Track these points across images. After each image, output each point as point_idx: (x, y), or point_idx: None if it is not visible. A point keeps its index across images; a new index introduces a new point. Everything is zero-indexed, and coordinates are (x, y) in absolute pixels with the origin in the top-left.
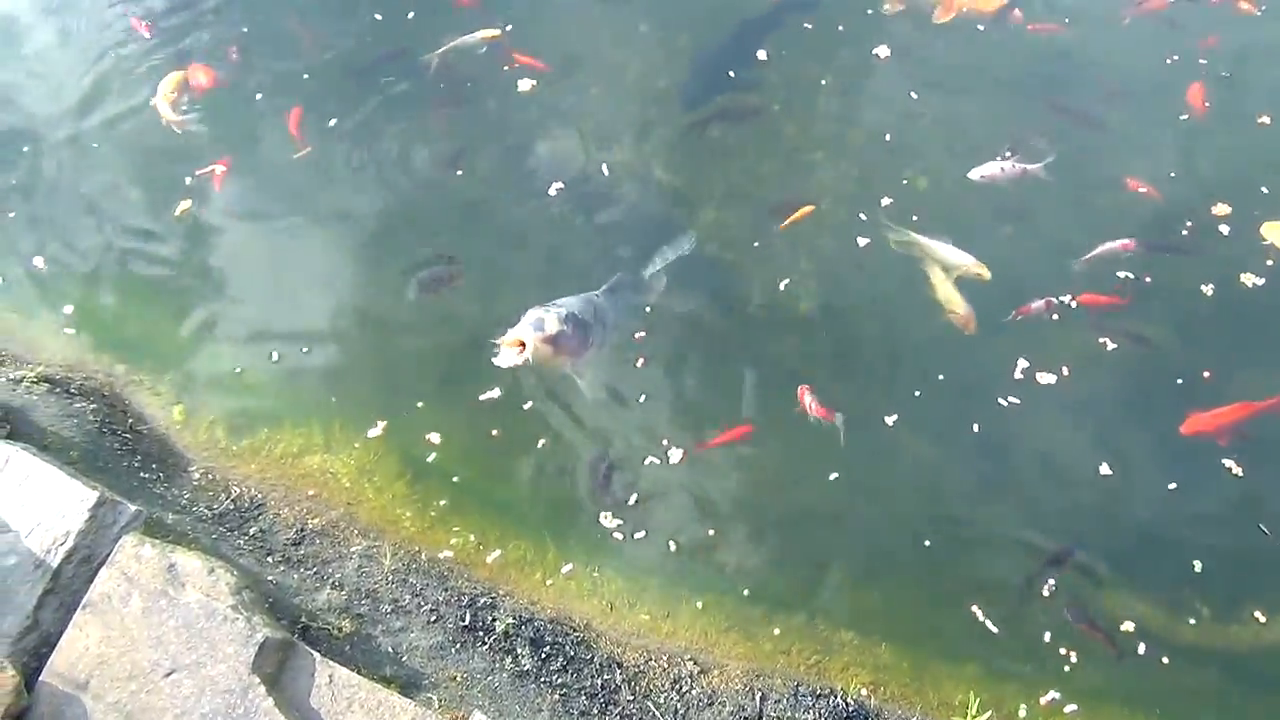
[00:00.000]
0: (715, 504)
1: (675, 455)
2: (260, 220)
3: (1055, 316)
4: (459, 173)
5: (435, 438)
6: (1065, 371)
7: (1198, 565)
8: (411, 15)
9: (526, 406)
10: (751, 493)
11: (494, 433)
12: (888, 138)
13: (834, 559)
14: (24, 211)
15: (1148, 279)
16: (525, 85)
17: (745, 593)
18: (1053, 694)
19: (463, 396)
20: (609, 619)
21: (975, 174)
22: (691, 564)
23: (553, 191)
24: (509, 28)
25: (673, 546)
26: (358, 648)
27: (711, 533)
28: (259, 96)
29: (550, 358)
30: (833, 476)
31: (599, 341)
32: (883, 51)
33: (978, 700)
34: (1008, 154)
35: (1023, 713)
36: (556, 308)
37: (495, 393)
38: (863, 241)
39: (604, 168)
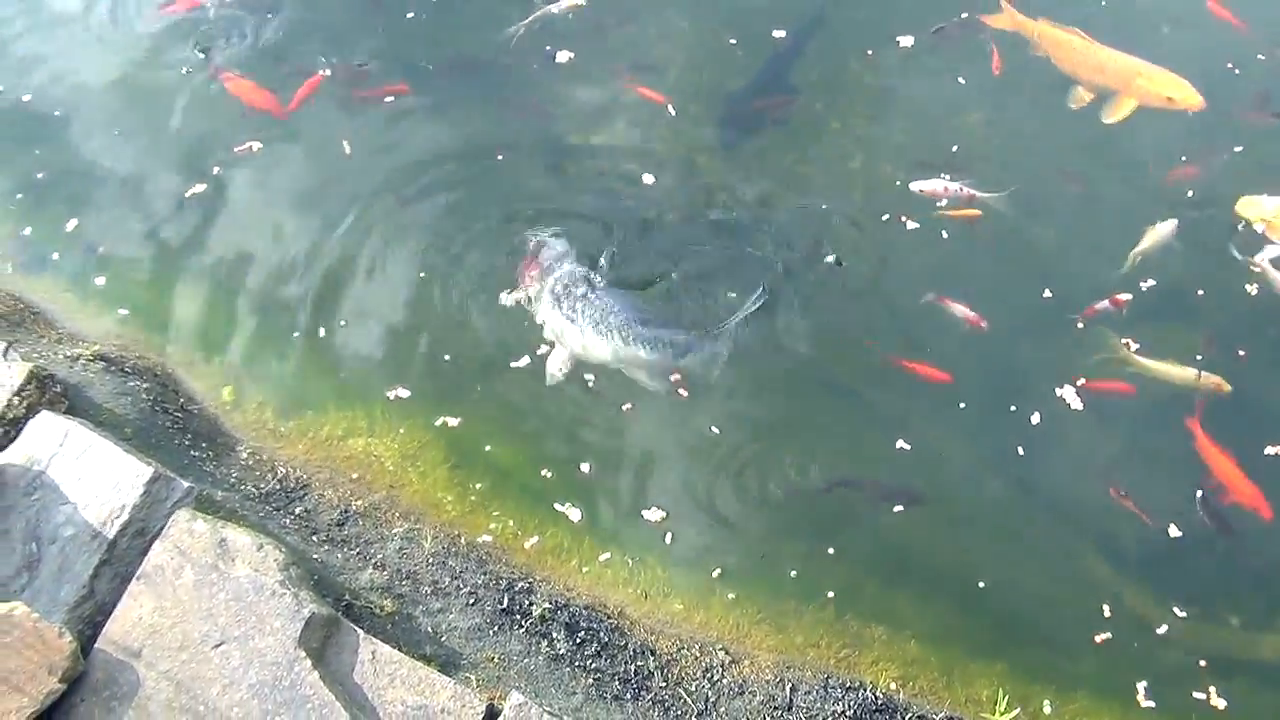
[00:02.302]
0: (752, 502)
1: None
2: (310, 203)
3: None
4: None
5: (479, 424)
6: None
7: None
8: None
9: (569, 400)
10: (789, 492)
11: (537, 422)
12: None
13: (866, 558)
14: (79, 192)
15: None
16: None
17: (778, 586)
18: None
19: (508, 384)
20: (643, 607)
21: (916, 186)
22: (726, 557)
23: None
24: None
25: (708, 540)
26: (399, 626)
27: (747, 529)
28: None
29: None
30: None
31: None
32: None
33: (1006, 697)
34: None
35: (1048, 709)
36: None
37: (534, 369)
38: None
39: None
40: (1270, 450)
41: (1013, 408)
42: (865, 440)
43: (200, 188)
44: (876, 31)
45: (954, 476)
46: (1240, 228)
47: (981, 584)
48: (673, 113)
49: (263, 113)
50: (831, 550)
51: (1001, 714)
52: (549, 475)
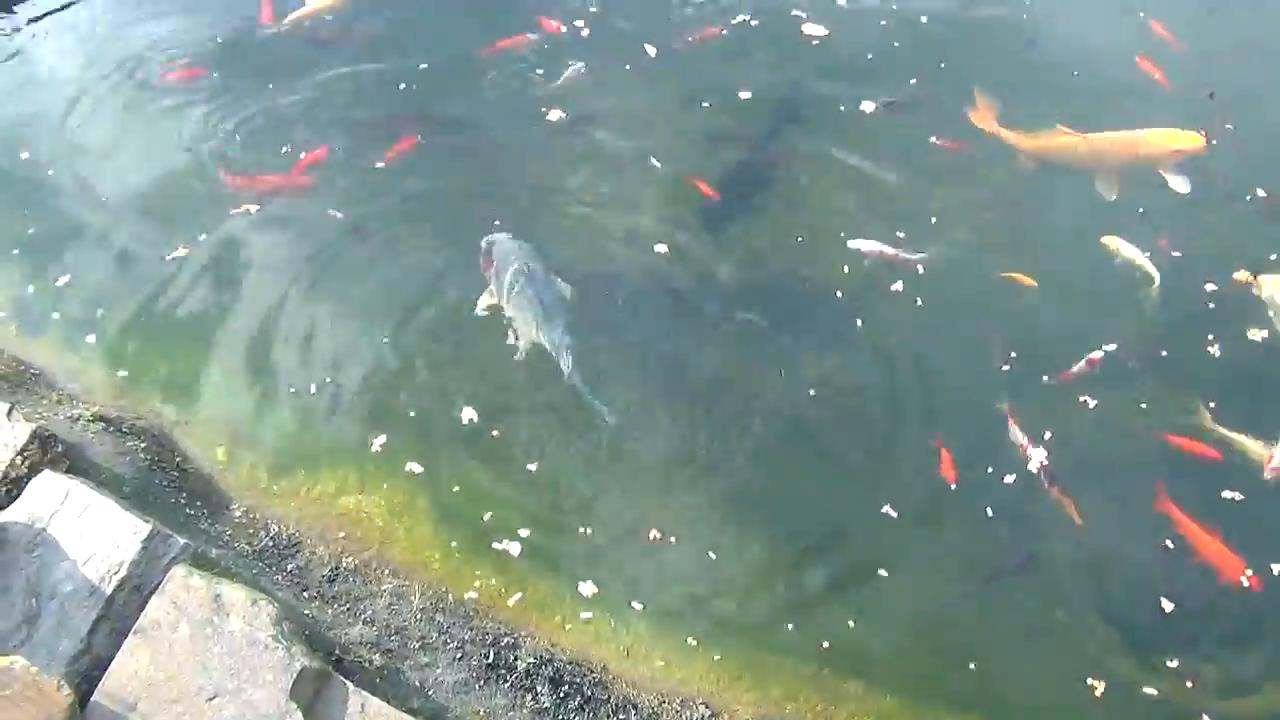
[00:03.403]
0: (732, 563)
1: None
2: (299, 269)
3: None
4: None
5: (463, 484)
6: None
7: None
8: None
9: (549, 460)
10: (773, 556)
11: (522, 478)
12: None
13: (848, 617)
14: (79, 255)
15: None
16: None
17: (757, 644)
18: None
19: (492, 442)
20: (626, 663)
21: (853, 244)
22: (707, 616)
23: None
24: None
25: (691, 599)
26: (388, 680)
27: (728, 588)
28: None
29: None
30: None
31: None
32: None
33: None
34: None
35: None
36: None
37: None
38: None
39: None
40: None
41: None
42: (849, 503)
43: (194, 251)
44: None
45: (933, 542)
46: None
47: (963, 645)
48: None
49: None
50: (819, 611)
51: None
52: (529, 532)
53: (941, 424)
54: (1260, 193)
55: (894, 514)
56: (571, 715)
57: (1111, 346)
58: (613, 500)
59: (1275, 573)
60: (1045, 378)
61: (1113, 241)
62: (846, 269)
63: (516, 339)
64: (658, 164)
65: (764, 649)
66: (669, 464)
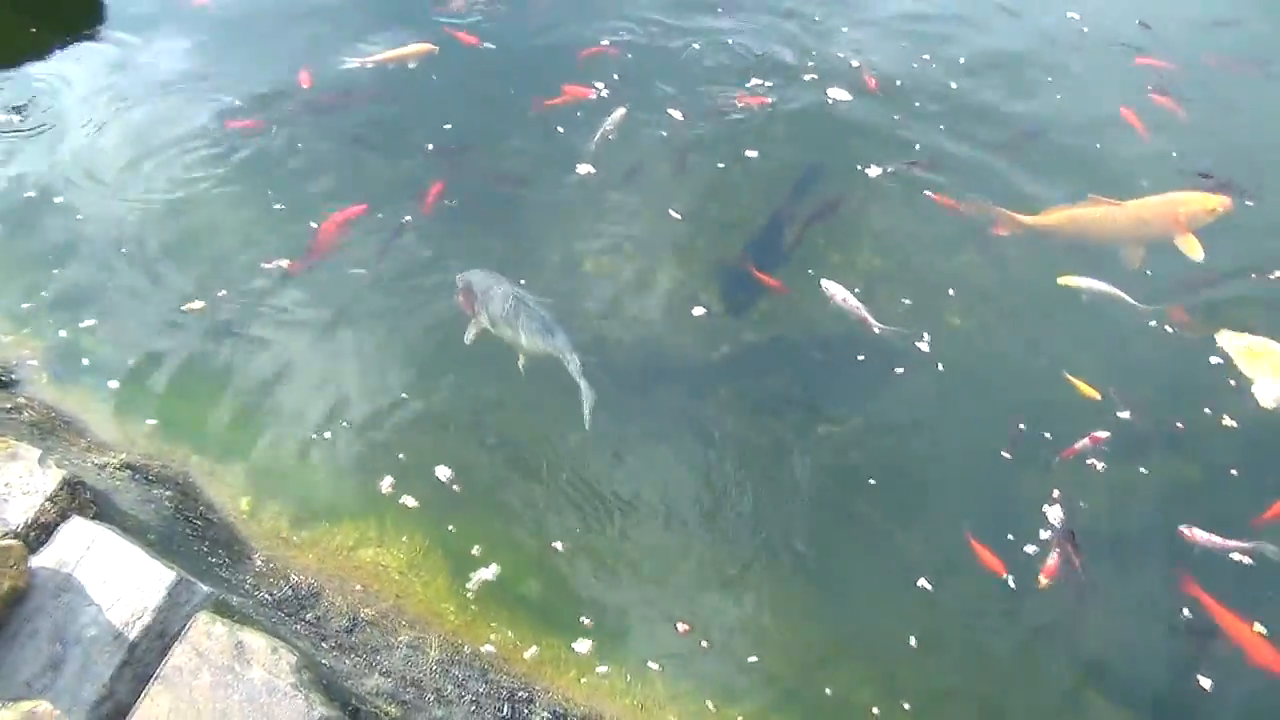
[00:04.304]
0: (751, 618)
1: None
2: (324, 322)
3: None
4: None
5: (482, 542)
6: None
7: None
8: None
9: (562, 515)
10: (788, 617)
11: (536, 532)
12: None
13: (862, 686)
14: (110, 303)
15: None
16: None
17: (774, 701)
18: None
19: (508, 493)
20: (639, 717)
21: (825, 285)
22: (722, 670)
23: None
24: None
25: (706, 653)
26: None
27: (743, 644)
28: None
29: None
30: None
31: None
32: None
33: None
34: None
35: None
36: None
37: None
38: None
39: None
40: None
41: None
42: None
43: (227, 300)
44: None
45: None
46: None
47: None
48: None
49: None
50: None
51: None
52: (550, 587)
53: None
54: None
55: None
56: None
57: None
58: (632, 571)
59: None
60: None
61: (1073, 280)
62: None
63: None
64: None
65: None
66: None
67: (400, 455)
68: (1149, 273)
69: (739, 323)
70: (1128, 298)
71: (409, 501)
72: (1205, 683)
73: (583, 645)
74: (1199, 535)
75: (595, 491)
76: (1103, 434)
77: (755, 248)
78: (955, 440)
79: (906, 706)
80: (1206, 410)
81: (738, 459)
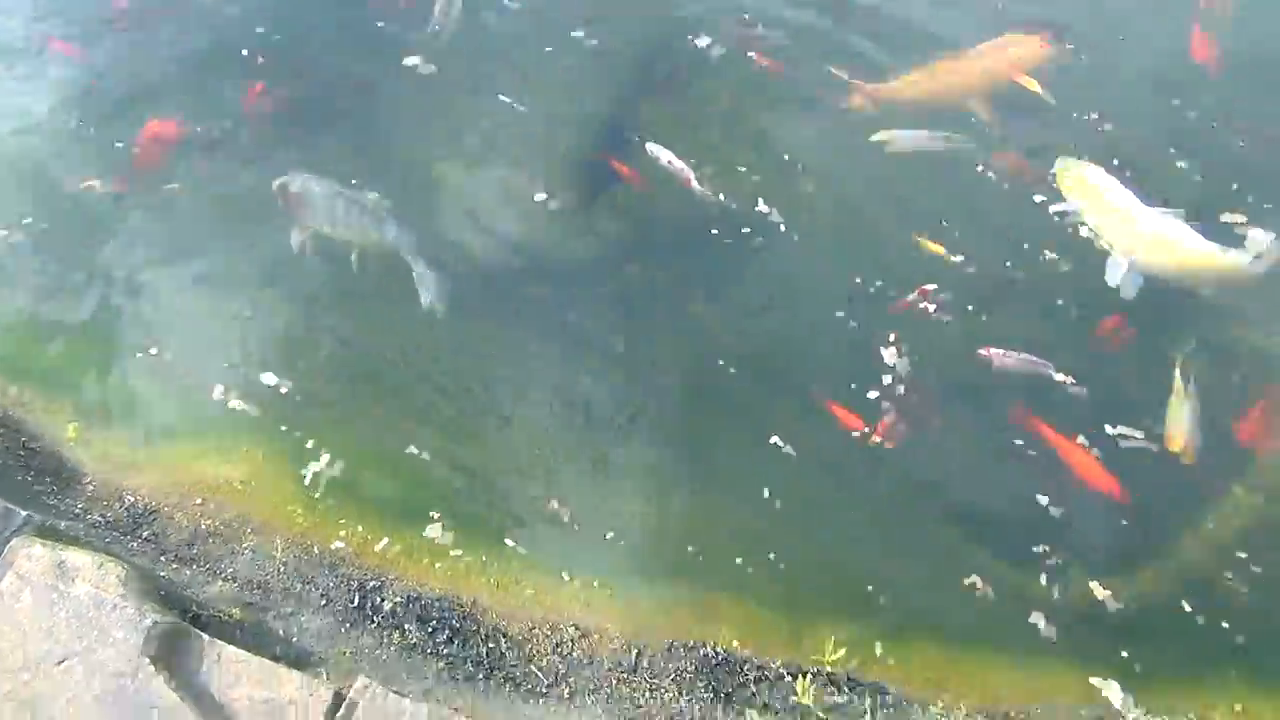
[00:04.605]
0: (611, 492)
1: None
2: (144, 239)
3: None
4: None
5: (327, 444)
6: None
7: None
8: None
9: (412, 410)
10: (651, 490)
11: (385, 429)
12: None
13: (728, 545)
14: None
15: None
16: None
17: (631, 569)
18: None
19: (352, 395)
20: (496, 595)
21: (650, 149)
22: (581, 542)
23: None
24: None
25: (566, 528)
26: (248, 631)
27: (602, 517)
28: None
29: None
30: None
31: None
32: None
33: (832, 639)
34: None
35: (879, 650)
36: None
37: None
38: None
39: None
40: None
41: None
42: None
43: (39, 224)
44: None
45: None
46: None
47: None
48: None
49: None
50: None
51: (831, 657)
52: (399, 477)
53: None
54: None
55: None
56: (441, 648)
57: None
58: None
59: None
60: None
61: (886, 135)
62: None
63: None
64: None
65: (639, 574)
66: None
67: (229, 364)
68: (990, 127)
69: (593, 214)
70: (949, 140)
71: (246, 410)
72: (1043, 500)
73: (435, 531)
74: (995, 354)
75: (448, 385)
76: (931, 286)
77: (601, 135)
78: (809, 306)
79: (772, 556)
80: (1046, 254)
81: (597, 347)
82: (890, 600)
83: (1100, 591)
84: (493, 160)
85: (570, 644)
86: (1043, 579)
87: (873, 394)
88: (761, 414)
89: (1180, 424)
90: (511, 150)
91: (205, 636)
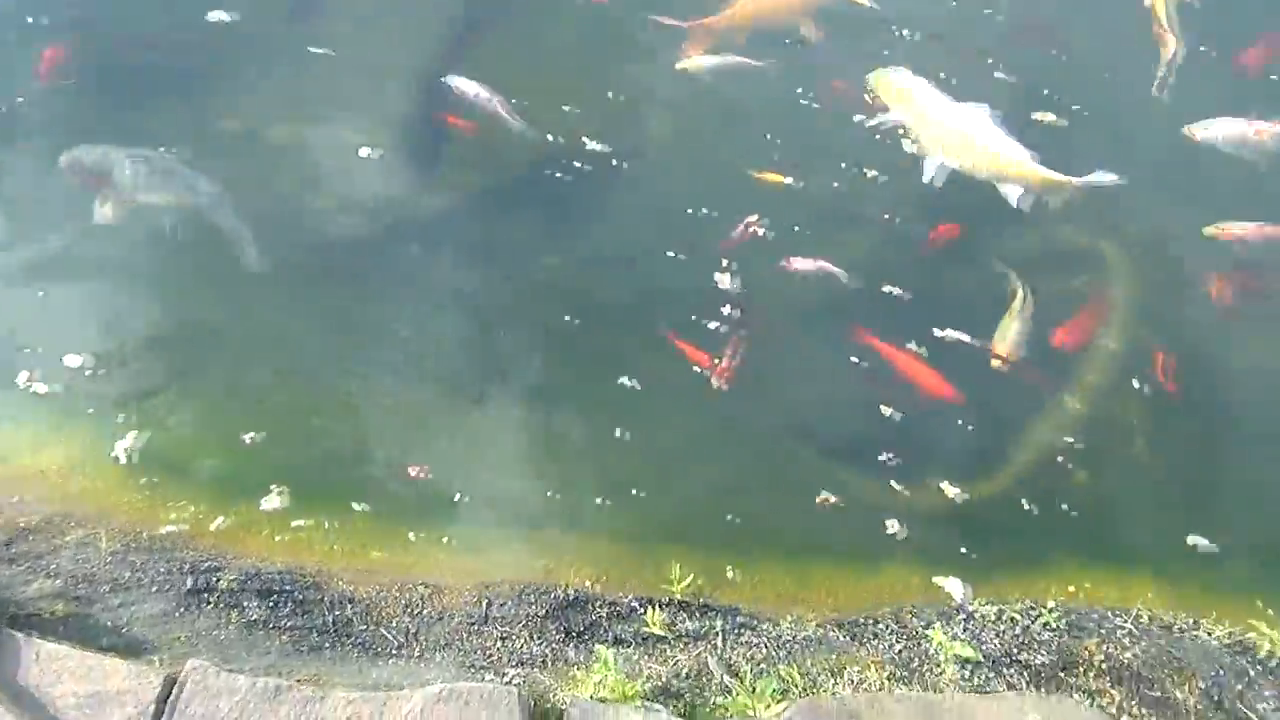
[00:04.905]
0: (458, 448)
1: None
2: None
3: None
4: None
5: (146, 417)
6: None
7: None
8: None
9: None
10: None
11: (210, 394)
12: None
13: (582, 483)
14: None
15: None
16: None
17: (483, 521)
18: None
19: (176, 370)
20: (342, 561)
21: (451, 82)
22: (429, 499)
23: None
24: None
25: (413, 486)
26: (74, 626)
27: (451, 473)
28: None
29: None
30: None
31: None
32: None
33: (679, 566)
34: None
35: (730, 574)
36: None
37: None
38: None
39: None
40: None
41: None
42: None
43: None
44: None
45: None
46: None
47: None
48: None
49: None
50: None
51: (680, 585)
52: (233, 453)
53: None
54: None
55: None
56: (284, 621)
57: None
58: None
59: None
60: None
61: (691, 63)
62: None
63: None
64: None
65: (491, 526)
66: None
67: (32, 350)
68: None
69: (434, 171)
70: (751, 61)
71: (56, 395)
72: (887, 411)
73: (274, 503)
74: (795, 262)
75: (280, 352)
76: (754, 216)
77: (424, 82)
78: (648, 243)
79: (625, 494)
80: (868, 171)
81: (437, 302)
82: (743, 524)
83: (947, 492)
84: (312, 115)
85: (421, 602)
86: (889, 486)
87: (714, 324)
88: (609, 356)
89: (1009, 331)
90: (329, 103)
91: (20, 636)
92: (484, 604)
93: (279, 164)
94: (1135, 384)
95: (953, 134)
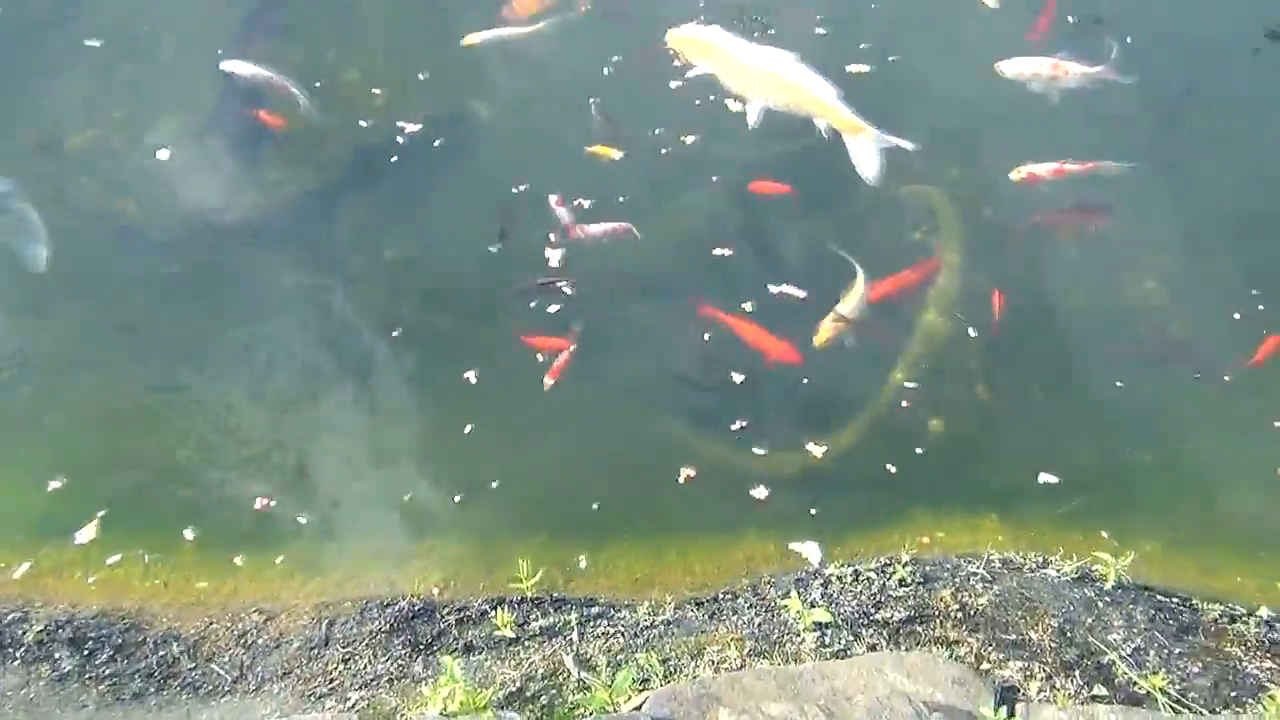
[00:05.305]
0: (295, 464)
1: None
2: None
3: None
4: None
5: None
6: None
7: None
8: None
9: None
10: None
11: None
12: None
13: (417, 489)
14: None
15: None
16: None
17: (320, 538)
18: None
19: None
20: (164, 596)
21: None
22: (256, 522)
23: None
24: None
25: (237, 508)
26: None
27: (289, 492)
28: None
29: None
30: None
31: None
32: None
33: (524, 563)
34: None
35: (583, 563)
36: None
37: None
38: None
39: None
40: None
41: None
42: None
43: None
44: None
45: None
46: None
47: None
48: None
49: None
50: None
51: (528, 581)
52: (30, 492)
53: None
54: None
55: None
56: (101, 669)
57: None
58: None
59: None
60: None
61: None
62: None
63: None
64: None
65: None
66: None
67: None
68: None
69: (257, 167)
70: (524, 30)
71: None
72: (738, 378)
73: (84, 539)
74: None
75: (83, 375)
76: (556, 195)
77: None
78: (481, 228)
79: (473, 493)
80: (688, 137)
81: (264, 308)
82: (596, 510)
83: (799, 454)
84: (104, 116)
85: (255, 631)
86: (743, 453)
87: (554, 308)
88: (449, 350)
89: (849, 294)
90: (123, 103)
91: None
92: (324, 625)
93: (73, 170)
94: (971, 331)
95: (760, 74)
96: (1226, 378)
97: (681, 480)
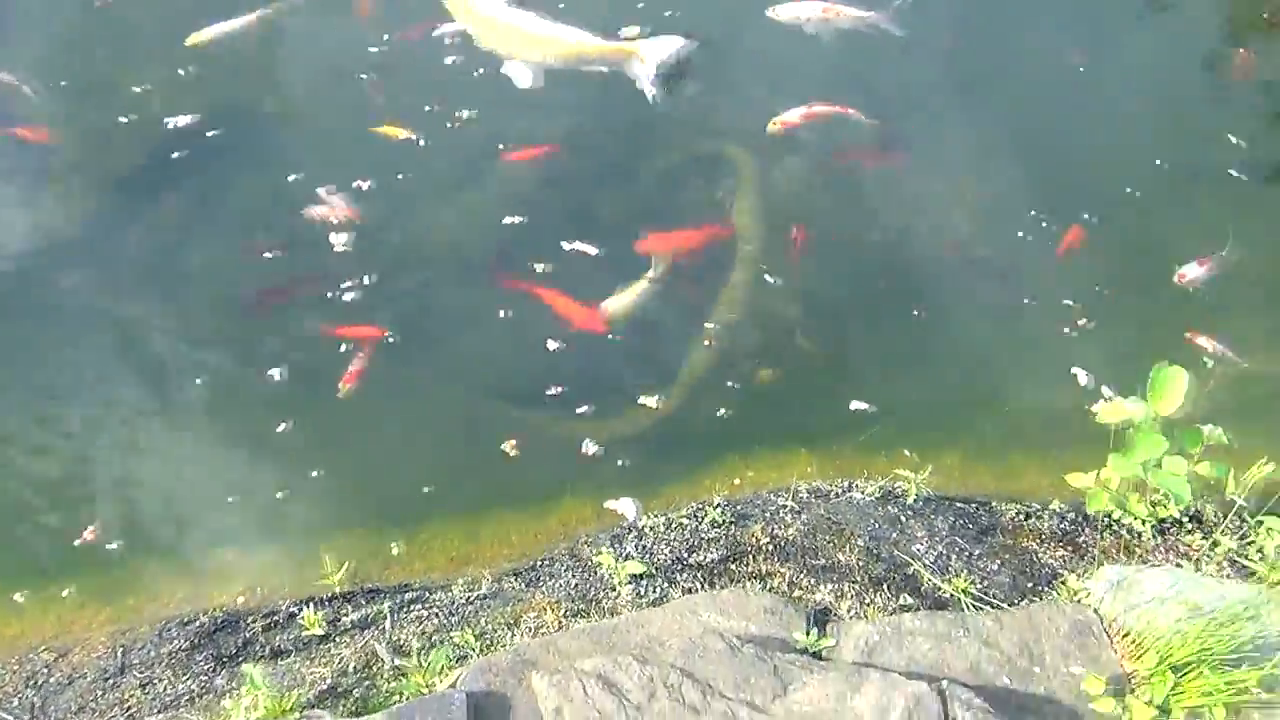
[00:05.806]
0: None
1: None
2: None
3: None
4: None
5: None
6: None
7: None
8: None
9: None
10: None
11: None
12: None
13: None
14: None
15: None
16: None
17: (108, 562)
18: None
19: None
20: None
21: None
22: (40, 552)
23: None
24: None
25: (15, 540)
26: None
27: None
28: None
29: None
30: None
31: None
32: None
33: (330, 557)
34: None
35: (396, 550)
36: None
37: None
38: None
39: None
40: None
41: None
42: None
43: None
44: None
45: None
46: None
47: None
48: None
49: None
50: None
51: (335, 576)
52: None
53: None
54: None
55: None
56: None
57: None
58: None
59: None
60: None
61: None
62: None
63: None
64: None
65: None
66: None
67: None
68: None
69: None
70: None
71: None
72: (553, 345)
73: None
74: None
75: None
76: (329, 185)
77: None
78: (267, 220)
79: (283, 494)
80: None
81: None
82: (414, 497)
83: (618, 415)
84: None
85: (45, 671)
86: (561, 421)
87: (350, 295)
88: (254, 349)
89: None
90: None
91: None
92: (119, 654)
93: None
94: (769, 279)
95: (514, 30)
96: (1026, 300)
97: (508, 454)
